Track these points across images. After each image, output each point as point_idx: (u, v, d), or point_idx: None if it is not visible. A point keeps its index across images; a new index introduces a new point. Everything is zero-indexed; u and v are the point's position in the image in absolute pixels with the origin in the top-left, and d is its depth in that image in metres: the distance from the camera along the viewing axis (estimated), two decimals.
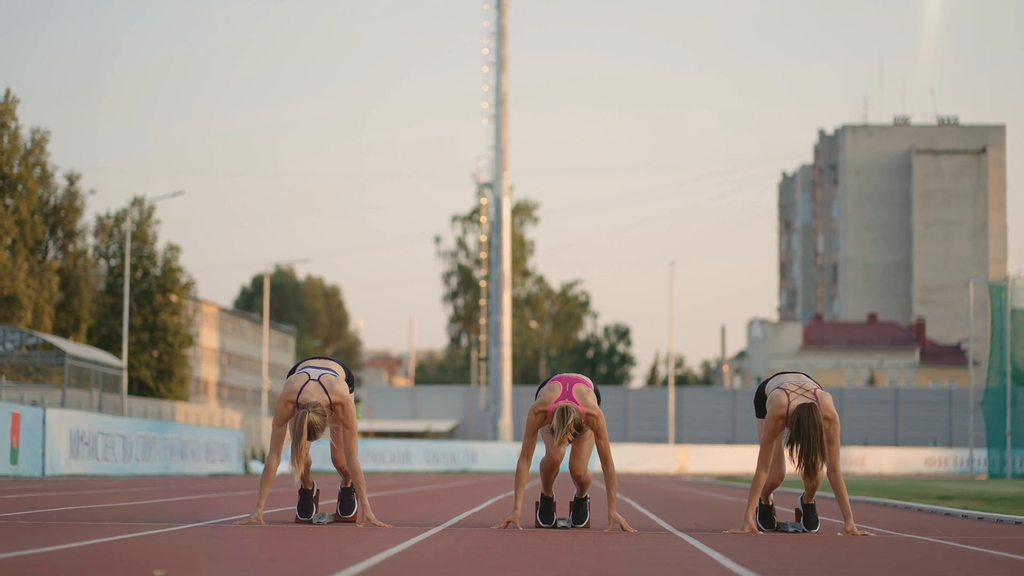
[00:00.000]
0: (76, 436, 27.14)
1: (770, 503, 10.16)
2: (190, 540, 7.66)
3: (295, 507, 10.29)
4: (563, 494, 13.46)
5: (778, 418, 9.49)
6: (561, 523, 10.16)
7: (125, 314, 53.83)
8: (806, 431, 9.27)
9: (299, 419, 9.31)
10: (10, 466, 23.69)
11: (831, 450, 9.41)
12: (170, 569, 5.75)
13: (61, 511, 11.13)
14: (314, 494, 10.04)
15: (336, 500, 10.40)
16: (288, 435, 9.49)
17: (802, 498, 10.06)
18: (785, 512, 11.70)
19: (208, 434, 37.69)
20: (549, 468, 9.99)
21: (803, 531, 9.92)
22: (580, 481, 10.19)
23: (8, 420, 23.70)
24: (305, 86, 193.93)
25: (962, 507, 14.22)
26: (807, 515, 10.01)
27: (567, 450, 9.94)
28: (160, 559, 6.28)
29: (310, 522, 9.79)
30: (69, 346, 44.93)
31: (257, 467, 43.58)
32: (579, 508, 10.27)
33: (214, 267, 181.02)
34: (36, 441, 25.02)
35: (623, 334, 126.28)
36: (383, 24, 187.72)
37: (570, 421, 9.36)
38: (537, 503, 10.29)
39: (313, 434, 9.40)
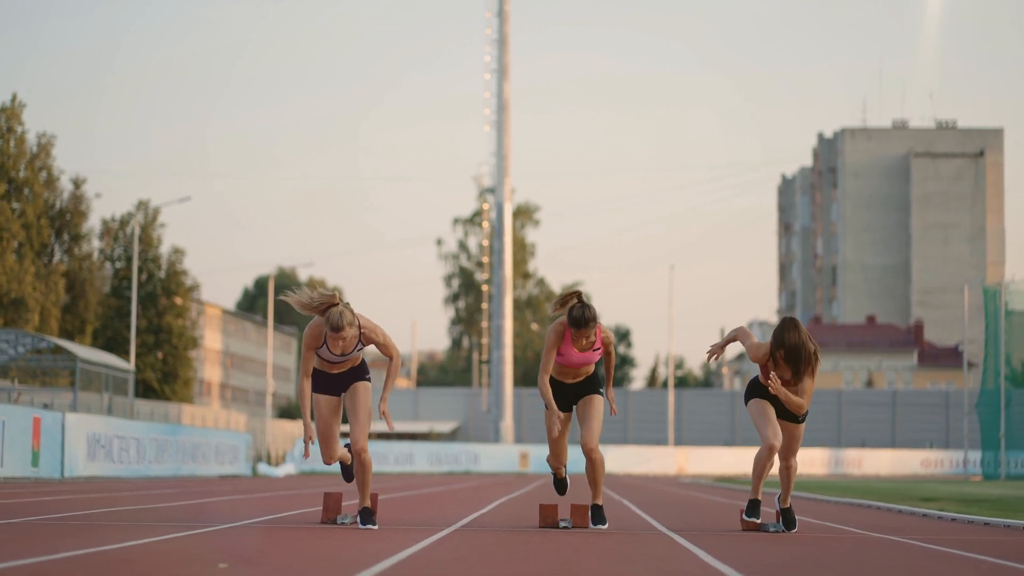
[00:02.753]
0: (93, 439, 28.08)
1: (759, 497, 10.66)
2: (225, 540, 8.56)
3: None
4: (565, 499, 14.32)
5: (764, 355, 10.19)
6: (563, 523, 10.91)
7: (133, 317, 54.64)
8: (791, 334, 9.97)
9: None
10: (31, 468, 24.63)
11: (808, 384, 10.15)
12: (219, 566, 6.65)
13: (105, 512, 12.02)
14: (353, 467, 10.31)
15: (357, 509, 10.98)
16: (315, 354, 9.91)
17: (778, 498, 10.80)
18: (767, 513, 12.58)
19: (218, 437, 38.61)
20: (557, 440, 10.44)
21: (782, 531, 10.78)
22: (592, 460, 10.42)
23: (29, 424, 24.64)
24: (306, 88, 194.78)
25: (939, 509, 15.09)
26: (785, 516, 10.73)
27: (573, 425, 10.48)
28: (214, 556, 7.19)
29: (333, 522, 10.61)
30: (80, 350, 45.72)
31: (264, 469, 44.42)
32: (597, 513, 10.58)
33: (216, 269, 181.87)
34: (55, 444, 25.96)
35: (623, 336, 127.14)
36: (383, 25, 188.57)
37: (590, 313, 10.12)
38: (544, 508, 10.95)
39: (340, 326, 9.66)
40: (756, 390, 10.48)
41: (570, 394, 10.54)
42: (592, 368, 10.55)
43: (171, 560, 6.87)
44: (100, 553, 7.16)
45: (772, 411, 10.41)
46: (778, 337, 10.04)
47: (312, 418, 10.04)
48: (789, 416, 10.46)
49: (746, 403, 10.55)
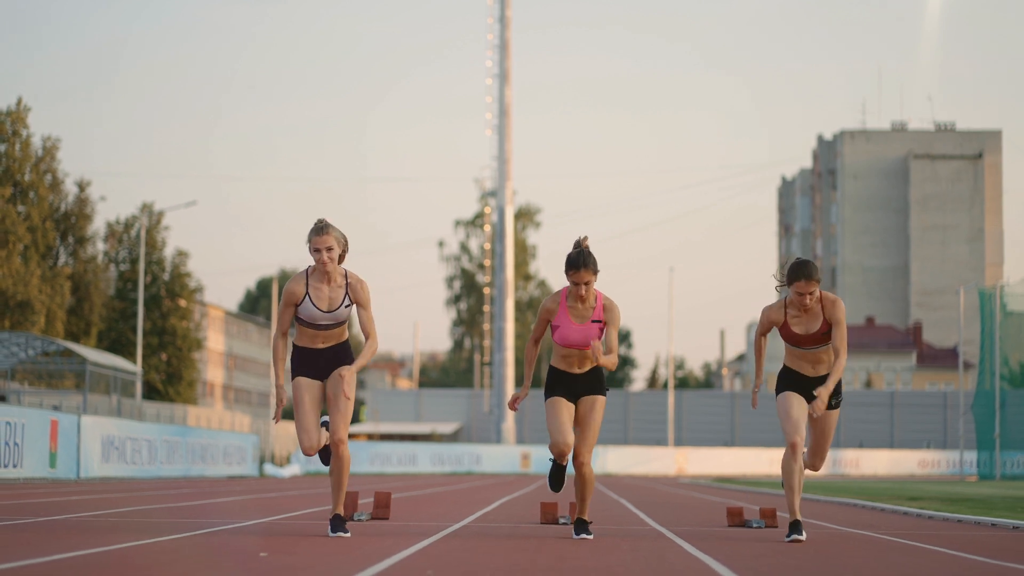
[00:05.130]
0: (107, 441, 28.93)
1: (799, 516, 9.80)
2: (251, 534, 9.37)
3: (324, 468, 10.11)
4: (564, 496, 15.15)
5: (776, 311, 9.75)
6: (562, 520, 11.66)
7: (139, 319, 55.37)
8: (799, 268, 9.60)
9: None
10: (49, 469, 25.47)
11: (838, 332, 9.62)
12: (239, 564, 7.47)
13: (138, 510, 12.89)
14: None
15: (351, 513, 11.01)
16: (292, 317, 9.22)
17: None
18: (751, 510, 13.35)
19: (226, 438, 39.44)
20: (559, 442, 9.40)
21: (764, 527, 11.53)
22: (582, 475, 9.50)
23: (47, 427, 25.48)
24: (308, 90, 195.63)
25: (919, 507, 15.88)
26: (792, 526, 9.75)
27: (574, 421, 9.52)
28: (251, 548, 8.01)
29: (350, 519, 11.38)
30: (89, 352, 46.49)
31: (271, 470, 45.20)
32: (580, 526, 9.62)
33: (218, 271, 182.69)
34: (72, 446, 26.81)
35: (624, 337, 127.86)
36: (385, 27, 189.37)
37: (590, 257, 9.42)
38: (544, 506, 11.69)
39: (325, 228, 9.03)
40: (784, 380, 9.89)
41: (575, 386, 9.57)
42: None
43: (213, 551, 7.71)
44: (150, 545, 8.00)
45: (798, 405, 9.79)
46: (791, 275, 9.59)
47: (287, 389, 9.42)
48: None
49: (776, 397, 9.95)
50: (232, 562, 7.01)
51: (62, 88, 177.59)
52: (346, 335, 9.42)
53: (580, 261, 9.38)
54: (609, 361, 9.24)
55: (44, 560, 6.85)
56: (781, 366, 9.97)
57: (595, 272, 9.40)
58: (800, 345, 9.77)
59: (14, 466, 23.62)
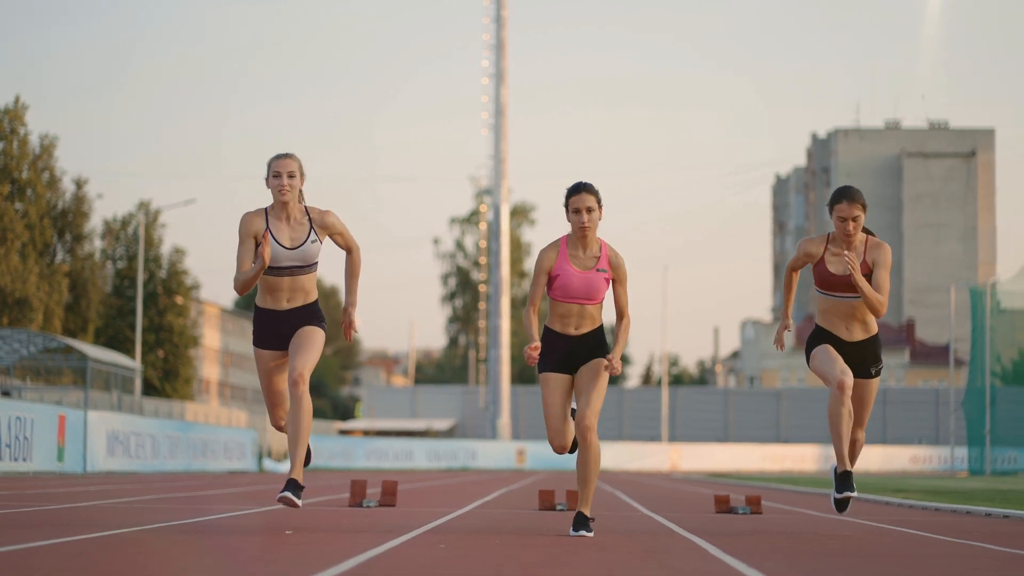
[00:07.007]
0: (112, 436, 29.58)
1: (849, 466, 9.04)
2: (270, 518, 9.98)
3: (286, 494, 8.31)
4: (561, 484, 15.72)
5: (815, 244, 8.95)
6: (559, 507, 12.28)
7: (138, 316, 55.89)
8: (841, 192, 8.79)
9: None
10: (56, 463, 26.09)
11: (881, 274, 8.77)
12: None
13: (163, 498, 13.49)
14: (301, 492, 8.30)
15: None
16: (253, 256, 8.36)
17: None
18: (737, 498, 13.96)
19: (227, 434, 40.11)
20: (556, 424, 8.54)
21: (749, 513, 12.13)
22: (587, 442, 8.36)
23: (55, 422, 26.11)
24: (306, 91, 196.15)
25: (900, 498, 16.53)
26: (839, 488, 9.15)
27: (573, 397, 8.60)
28: (277, 527, 8.62)
29: (360, 505, 12.02)
30: (90, 349, 47.00)
31: (269, 465, 45.82)
32: (580, 520, 8.48)
33: (214, 268, 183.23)
34: (79, 440, 27.43)
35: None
36: (382, 27, 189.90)
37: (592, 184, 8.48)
38: (543, 493, 12.31)
39: (288, 152, 8.33)
40: (817, 340, 9.13)
41: (571, 352, 8.50)
42: (598, 316, 8.51)
43: (242, 529, 8.33)
44: (175, 527, 8.62)
45: (836, 351, 8.98)
46: (833, 199, 8.78)
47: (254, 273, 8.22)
48: (859, 372, 9.06)
49: (808, 361, 9.21)
50: (259, 539, 7.63)
51: (61, 87, 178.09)
52: (314, 293, 8.50)
53: (582, 185, 8.39)
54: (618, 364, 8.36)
55: (68, 540, 7.45)
56: (813, 327, 9.18)
57: (599, 201, 8.41)
58: (833, 290, 8.83)
59: (23, 460, 24.24)
